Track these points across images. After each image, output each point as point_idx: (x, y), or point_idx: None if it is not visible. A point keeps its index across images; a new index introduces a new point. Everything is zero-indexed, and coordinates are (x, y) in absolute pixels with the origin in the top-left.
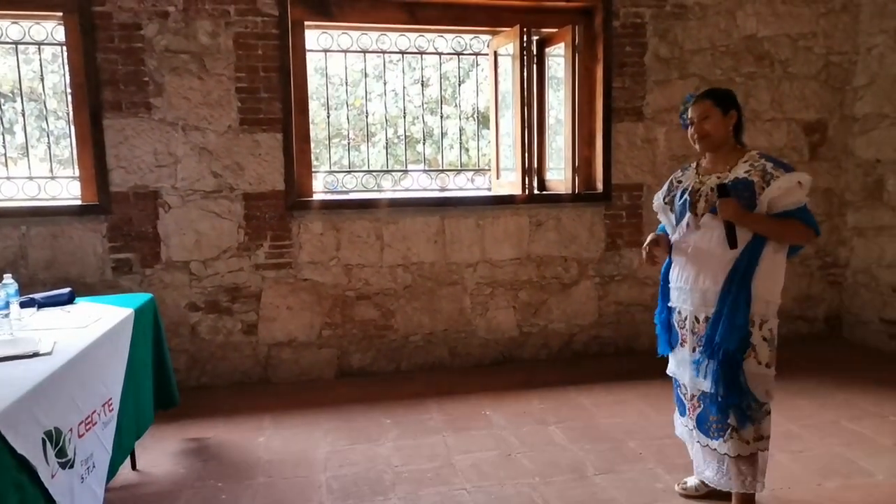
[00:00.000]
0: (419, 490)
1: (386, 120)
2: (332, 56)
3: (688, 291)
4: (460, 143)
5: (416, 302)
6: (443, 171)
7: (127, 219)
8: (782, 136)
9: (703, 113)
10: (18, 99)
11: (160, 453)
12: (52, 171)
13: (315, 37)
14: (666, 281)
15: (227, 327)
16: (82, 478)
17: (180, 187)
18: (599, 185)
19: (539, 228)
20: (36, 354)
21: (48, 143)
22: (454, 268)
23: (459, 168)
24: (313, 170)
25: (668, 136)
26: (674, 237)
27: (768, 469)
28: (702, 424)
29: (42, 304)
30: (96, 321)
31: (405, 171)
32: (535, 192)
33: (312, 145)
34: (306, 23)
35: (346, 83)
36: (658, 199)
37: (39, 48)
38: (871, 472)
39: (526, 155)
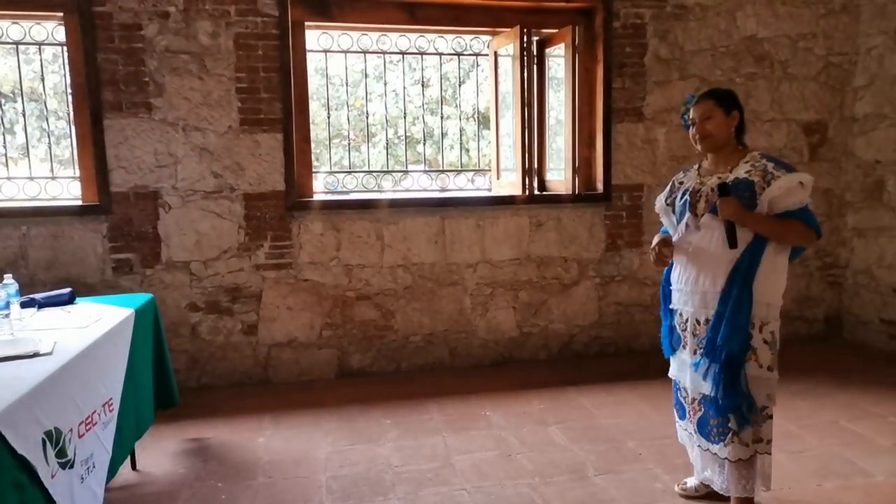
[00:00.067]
0: (419, 490)
1: (386, 120)
2: (333, 56)
3: (688, 293)
4: (461, 144)
5: (416, 302)
6: (443, 171)
7: (127, 219)
8: (782, 136)
9: (706, 113)
10: (19, 99)
11: (160, 453)
12: (52, 171)
13: (315, 37)
14: (667, 283)
15: (227, 327)
16: (82, 478)
17: (180, 187)
18: (599, 186)
19: (539, 229)
20: (36, 354)
21: (49, 143)
22: (454, 268)
23: (460, 168)
24: (314, 170)
25: (669, 136)
26: (675, 238)
27: None
28: (703, 428)
29: (42, 305)
30: (97, 321)
31: (405, 172)
32: (536, 192)
33: (313, 146)
34: (306, 23)
35: (347, 83)
36: (660, 201)
37: (40, 48)
38: (870, 473)
39: (526, 155)
